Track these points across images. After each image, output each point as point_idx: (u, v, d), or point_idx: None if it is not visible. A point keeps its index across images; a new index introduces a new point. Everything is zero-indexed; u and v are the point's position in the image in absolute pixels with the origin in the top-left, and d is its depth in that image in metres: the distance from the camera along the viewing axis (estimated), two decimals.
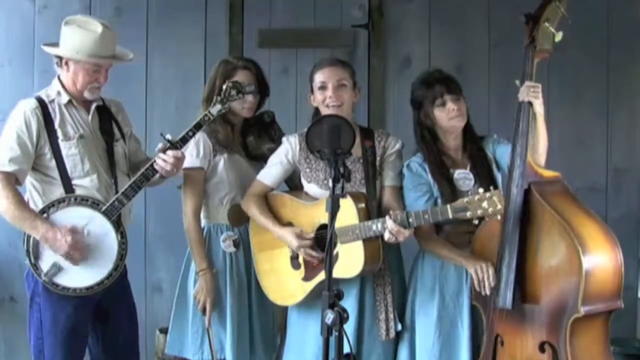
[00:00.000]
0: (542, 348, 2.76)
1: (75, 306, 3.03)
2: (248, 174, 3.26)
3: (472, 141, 3.09)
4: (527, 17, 2.89)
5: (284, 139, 3.23)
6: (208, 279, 3.18)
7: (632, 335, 4.24)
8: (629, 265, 2.87)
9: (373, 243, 2.92)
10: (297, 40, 4.42)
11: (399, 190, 3.12)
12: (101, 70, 3.08)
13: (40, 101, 3.05)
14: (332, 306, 2.39)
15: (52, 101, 3.07)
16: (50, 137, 3.02)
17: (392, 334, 3.03)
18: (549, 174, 2.89)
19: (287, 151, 3.19)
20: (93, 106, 3.13)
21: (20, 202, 2.98)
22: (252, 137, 3.32)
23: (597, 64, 4.34)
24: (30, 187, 3.08)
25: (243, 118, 3.30)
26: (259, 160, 3.28)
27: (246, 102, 3.23)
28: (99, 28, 3.04)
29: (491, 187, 2.68)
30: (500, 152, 3.06)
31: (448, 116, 3.02)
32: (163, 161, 2.99)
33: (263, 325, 3.30)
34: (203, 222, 3.29)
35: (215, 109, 3.09)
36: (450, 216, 2.72)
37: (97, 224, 3.00)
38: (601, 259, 2.72)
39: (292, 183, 3.32)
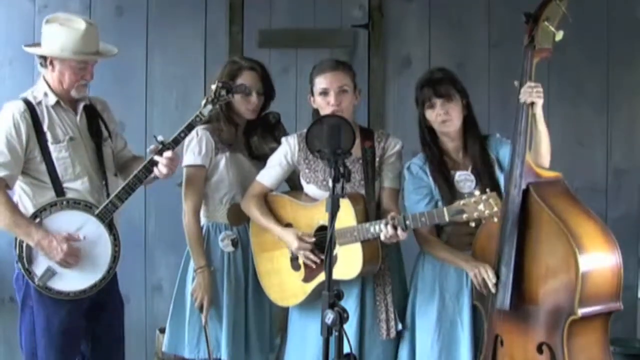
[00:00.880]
0: (540, 349, 2.75)
1: (68, 309, 3.01)
2: (250, 174, 3.26)
3: (475, 141, 3.07)
4: (527, 17, 2.88)
5: (283, 140, 3.22)
6: (206, 277, 3.18)
7: (632, 335, 4.23)
8: (629, 265, 2.86)
9: (371, 244, 2.92)
10: (297, 40, 4.42)
11: (397, 192, 3.12)
12: (87, 67, 3.03)
13: (28, 103, 2.99)
14: (332, 306, 2.39)
15: (40, 103, 3.02)
16: (39, 140, 2.97)
17: (393, 334, 3.03)
18: (548, 174, 2.88)
19: (287, 152, 3.18)
20: (81, 106, 3.09)
21: (14, 208, 2.95)
22: (255, 137, 3.32)
23: (597, 64, 4.33)
24: (20, 191, 3.04)
25: (247, 119, 3.29)
26: (262, 160, 3.27)
27: (250, 104, 3.23)
28: (82, 25, 3.00)
29: (487, 190, 2.67)
30: (503, 152, 3.04)
31: (435, 121, 3.02)
32: (158, 163, 2.98)
33: (259, 324, 3.30)
34: (202, 221, 3.29)
35: (207, 109, 3.07)
36: (447, 219, 2.72)
37: (90, 227, 2.99)
38: (599, 260, 2.70)
39: (293, 184, 3.33)
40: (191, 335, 3.24)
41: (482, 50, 4.37)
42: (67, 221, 2.97)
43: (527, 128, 2.83)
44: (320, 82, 3.09)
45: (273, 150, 3.26)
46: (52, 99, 3.03)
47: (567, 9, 2.84)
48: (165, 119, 4.36)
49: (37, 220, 2.94)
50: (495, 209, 2.62)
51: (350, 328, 2.81)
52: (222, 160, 3.24)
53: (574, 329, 2.68)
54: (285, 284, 3.16)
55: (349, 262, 2.94)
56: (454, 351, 2.99)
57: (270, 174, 3.20)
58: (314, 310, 3.05)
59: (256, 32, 4.41)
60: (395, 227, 2.79)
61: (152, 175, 3.03)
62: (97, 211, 2.99)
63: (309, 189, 3.15)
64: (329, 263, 2.45)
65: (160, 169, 2.99)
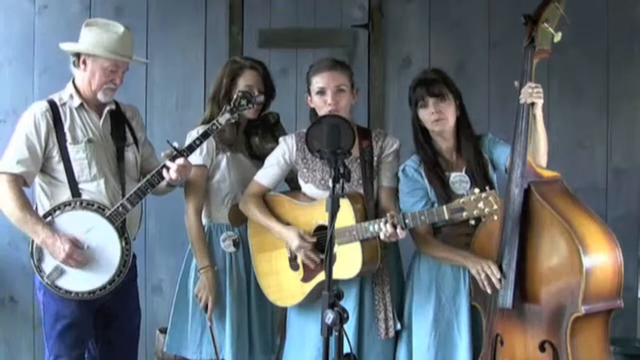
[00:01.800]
0: (542, 347, 2.76)
1: (79, 305, 3.04)
2: (251, 174, 3.26)
3: (468, 142, 3.07)
4: (526, 18, 2.89)
5: (280, 140, 3.22)
6: (210, 277, 3.18)
7: (632, 335, 4.24)
8: (629, 265, 2.87)
9: (370, 243, 2.92)
10: (297, 40, 4.42)
11: (396, 191, 3.12)
12: (118, 71, 3.08)
13: (52, 104, 3.07)
14: (332, 306, 2.39)
15: (64, 104, 3.09)
16: (59, 140, 3.03)
17: (392, 333, 3.03)
18: (548, 173, 2.89)
19: (284, 151, 3.18)
20: (106, 110, 3.14)
21: (25, 204, 2.99)
22: (256, 137, 3.33)
23: (597, 64, 4.34)
24: (39, 190, 3.09)
25: (248, 119, 3.30)
26: (262, 160, 3.27)
27: None
28: (120, 29, 3.08)
29: (487, 188, 2.68)
30: (497, 152, 3.05)
31: (429, 120, 3.02)
32: (170, 169, 2.99)
33: (261, 325, 3.30)
34: (204, 221, 3.29)
35: (224, 118, 3.07)
36: (447, 217, 2.72)
37: (101, 229, 3.01)
38: (601, 258, 2.72)
39: (293, 184, 3.32)
40: (194, 335, 3.24)
41: (482, 50, 4.37)
42: (78, 221, 3.00)
43: (527, 128, 2.84)
44: (318, 82, 3.09)
45: (272, 150, 3.26)
46: (76, 101, 3.09)
47: (565, 10, 2.84)
48: (165, 119, 4.36)
49: (49, 218, 2.99)
50: (495, 206, 2.63)
51: (349, 328, 2.80)
52: (223, 160, 3.25)
53: (577, 326, 2.69)
54: (284, 284, 3.16)
55: (348, 261, 2.94)
56: (450, 352, 2.99)
57: (268, 173, 3.20)
58: (312, 310, 3.05)
59: (256, 32, 4.41)
60: (394, 226, 2.80)
61: (165, 181, 3.05)
62: (108, 213, 3.01)
63: (307, 188, 3.15)
64: (329, 263, 2.45)
65: (171, 174, 3.00)
